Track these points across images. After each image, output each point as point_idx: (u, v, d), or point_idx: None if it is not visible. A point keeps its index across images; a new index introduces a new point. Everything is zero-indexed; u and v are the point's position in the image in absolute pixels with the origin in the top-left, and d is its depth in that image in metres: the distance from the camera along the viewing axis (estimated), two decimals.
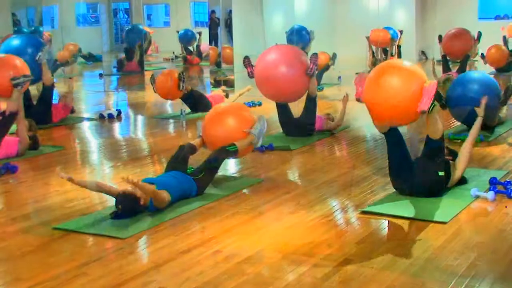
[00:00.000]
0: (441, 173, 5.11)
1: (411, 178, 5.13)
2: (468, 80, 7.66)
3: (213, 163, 5.56)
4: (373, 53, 16.40)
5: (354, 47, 17.94)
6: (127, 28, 18.23)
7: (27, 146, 7.19)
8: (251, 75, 7.70)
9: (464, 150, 5.50)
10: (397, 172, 5.22)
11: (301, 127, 7.90)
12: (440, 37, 13.62)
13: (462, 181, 5.49)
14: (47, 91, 8.93)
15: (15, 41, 9.02)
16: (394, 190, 5.36)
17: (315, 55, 7.64)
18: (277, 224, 4.72)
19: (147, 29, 19.23)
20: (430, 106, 4.79)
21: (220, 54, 14.12)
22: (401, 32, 16.99)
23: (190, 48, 19.66)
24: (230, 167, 6.70)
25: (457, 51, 12.54)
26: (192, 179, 5.31)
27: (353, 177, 5.99)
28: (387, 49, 16.33)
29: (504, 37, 15.12)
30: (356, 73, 13.89)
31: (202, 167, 5.49)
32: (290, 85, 7.51)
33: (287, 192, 5.54)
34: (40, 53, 8.59)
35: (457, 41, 12.43)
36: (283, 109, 7.98)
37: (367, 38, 16.33)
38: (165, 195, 4.95)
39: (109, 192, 4.97)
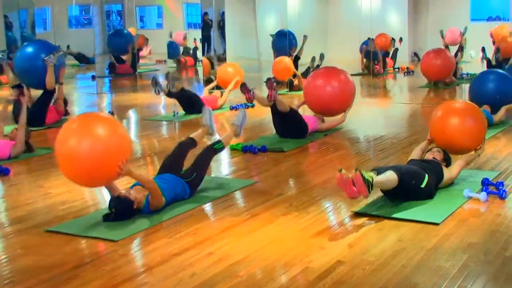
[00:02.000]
0: (423, 184, 5.09)
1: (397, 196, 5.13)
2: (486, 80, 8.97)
3: (202, 164, 5.54)
4: (366, 56, 16.46)
5: (346, 49, 18.01)
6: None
7: (22, 150, 7.18)
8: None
9: (458, 166, 5.58)
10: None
11: (294, 129, 7.89)
12: (442, 32, 13.86)
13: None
14: (47, 95, 9.06)
15: (29, 47, 9.40)
16: None
17: (271, 80, 8.07)
18: (270, 226, 4.72)
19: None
20: (368, 190, 4.64)
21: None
22: (400, 39, 17.47)
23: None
24: (223, 168, 6.70)
25: (438, 73, 12.69)
26: (184, 181, 5.30)
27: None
28: (389, 52, 16.75)
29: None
30: (350, 75, 13.72)
31: (192, 169, 5.45)
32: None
33: (280, 194, 5.55)
34: (51, 56, 8.80)
35: (435, 65, 12.58)
36: (276, 110, 7.97)
37: (372, 40, 16.57)
38: (161, 196, 4.95)
39: (110, 190, 4.94)
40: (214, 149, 5.74)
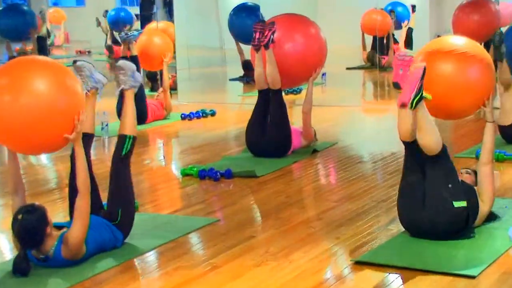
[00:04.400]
0: (457, 204, 5.09)
1: (421, 209, 5.15)
2: None
3: (123, 187, 5.39)
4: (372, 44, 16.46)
5: (343, 35, 18.04)
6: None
7: None
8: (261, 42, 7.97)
9: (483, 172, 5.47)
10: (407, 196, 5.23)
11: (273, 144, 7.87)
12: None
13: (491, 216, 5.51)
14: None
15: None
16: (401, 230, 5.37)
17: (272, 24, 7.94)
18: (237, 282, 4.70)
19: None
20: (414, 98, 4.85)
21: None
22: (413, 7, 16.89)
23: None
24: (171, 203, 6.65)
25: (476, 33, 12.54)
26: (112, 225, 5.23)
27: (343, 214, 5.99)
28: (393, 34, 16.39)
29: None
30: (347, 68, 13.77)
31: (114, 202, 5.32)
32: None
33: (252, 236, 5.54)
34: None
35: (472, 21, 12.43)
36: (258, 114, 7.94)
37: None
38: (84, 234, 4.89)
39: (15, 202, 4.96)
40: (123, 156, 5.48)
